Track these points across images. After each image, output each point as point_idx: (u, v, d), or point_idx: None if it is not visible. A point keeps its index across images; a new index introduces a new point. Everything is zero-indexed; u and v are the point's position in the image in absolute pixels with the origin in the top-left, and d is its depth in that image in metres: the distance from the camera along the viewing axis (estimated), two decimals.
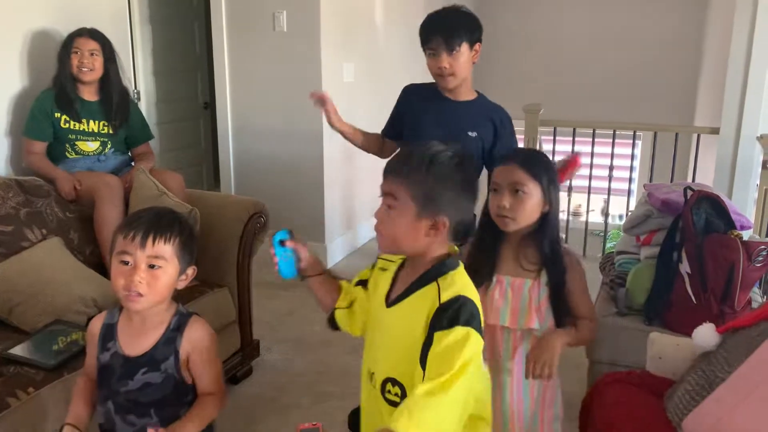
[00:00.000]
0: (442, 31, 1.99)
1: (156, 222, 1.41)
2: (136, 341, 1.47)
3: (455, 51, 1.99)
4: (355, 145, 2.30)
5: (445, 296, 1.24)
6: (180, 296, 1.52)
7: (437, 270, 1.28)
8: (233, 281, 2.62)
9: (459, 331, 1.19)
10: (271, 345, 3.04)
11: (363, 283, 1.46)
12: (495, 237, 1.63)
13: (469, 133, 2.05)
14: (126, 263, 1.39)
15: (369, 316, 1.42)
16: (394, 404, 1.29)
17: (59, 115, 2.76)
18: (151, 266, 1.39)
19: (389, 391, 1.32)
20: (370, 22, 4.33)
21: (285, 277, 1.40)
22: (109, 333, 1.50)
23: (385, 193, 1.27)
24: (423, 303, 1.26)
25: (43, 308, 2.12)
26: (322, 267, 1.47)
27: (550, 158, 1.70)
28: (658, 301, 2.21)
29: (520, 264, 1.62)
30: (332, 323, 1.50)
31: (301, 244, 1.43)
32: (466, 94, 2.12)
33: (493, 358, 1.64)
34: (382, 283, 1.39)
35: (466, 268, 1.35)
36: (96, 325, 1.53)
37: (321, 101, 2.18)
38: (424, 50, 2.06)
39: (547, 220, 1.59)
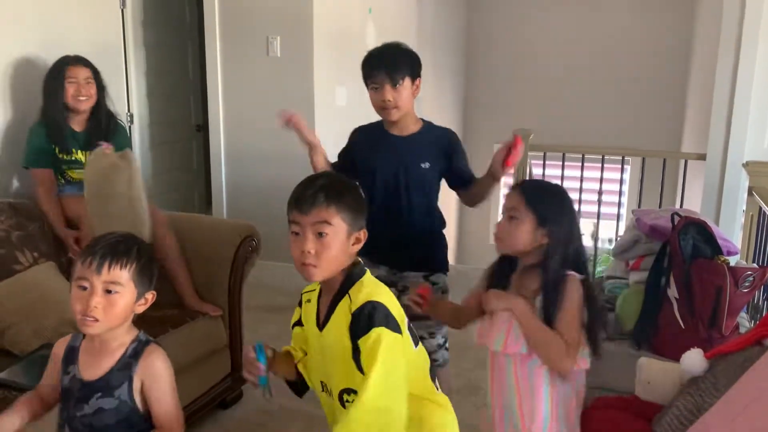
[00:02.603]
0: (386, 66, 2.05)
1: (113, 248, 1.42)
2: (93, 365, 1.47)
3: (398, 85, 2.05)
4: (314, 165, 2.22)
5: (356, 305, 1.37)
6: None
7: (348, 282, 1.42)
8: (224, 305, 2.61)
9: (375, 332, 1.33)
10: None
11: (298, 323, 1.56)
12: (510, 265, 1.68)
13: (422, 165, 2.10)
14: (83, 288, 1.40)
15: (309, 343, 1.53)
16: None
17: (53, 146, 2.74)
18: (108, 291, 1.40)
19: (348, 401, 1.44)
20: (362, 46, 4.37)
21: (263, 385, 1.48)
22: (71, 356, 1.51)
23: (316, 222, 1.37)
24: (343, 317, 1.39)
25: (34, 331, 2.11)
26: (272, 351, 1.52)
27: (564, 194, 1.67)
28: (647, 325, 2.22)
29: (521, 292, 1.63)
30: (295, 388, 1.60)
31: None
32: (412, 126, 2.16)
33: (500, 388, 1.66)
34: (310, 312, 1.51)
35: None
36: (60, 347, 1.54)
37: (292, 122, 2.13)
38: (367, 85, 2.12)
39: (546, 252, 1.58)
